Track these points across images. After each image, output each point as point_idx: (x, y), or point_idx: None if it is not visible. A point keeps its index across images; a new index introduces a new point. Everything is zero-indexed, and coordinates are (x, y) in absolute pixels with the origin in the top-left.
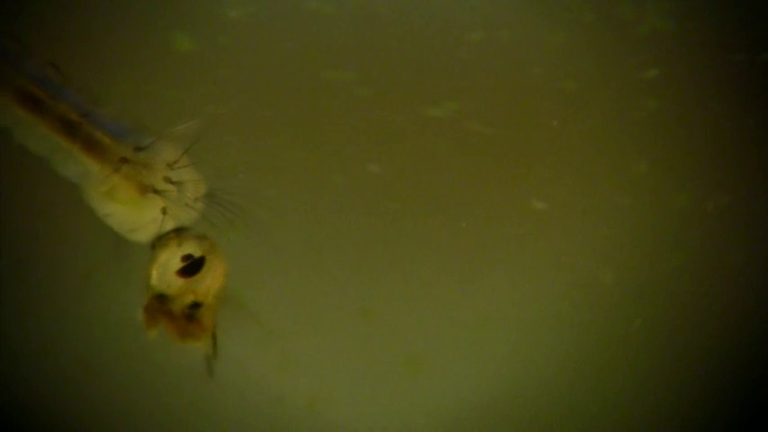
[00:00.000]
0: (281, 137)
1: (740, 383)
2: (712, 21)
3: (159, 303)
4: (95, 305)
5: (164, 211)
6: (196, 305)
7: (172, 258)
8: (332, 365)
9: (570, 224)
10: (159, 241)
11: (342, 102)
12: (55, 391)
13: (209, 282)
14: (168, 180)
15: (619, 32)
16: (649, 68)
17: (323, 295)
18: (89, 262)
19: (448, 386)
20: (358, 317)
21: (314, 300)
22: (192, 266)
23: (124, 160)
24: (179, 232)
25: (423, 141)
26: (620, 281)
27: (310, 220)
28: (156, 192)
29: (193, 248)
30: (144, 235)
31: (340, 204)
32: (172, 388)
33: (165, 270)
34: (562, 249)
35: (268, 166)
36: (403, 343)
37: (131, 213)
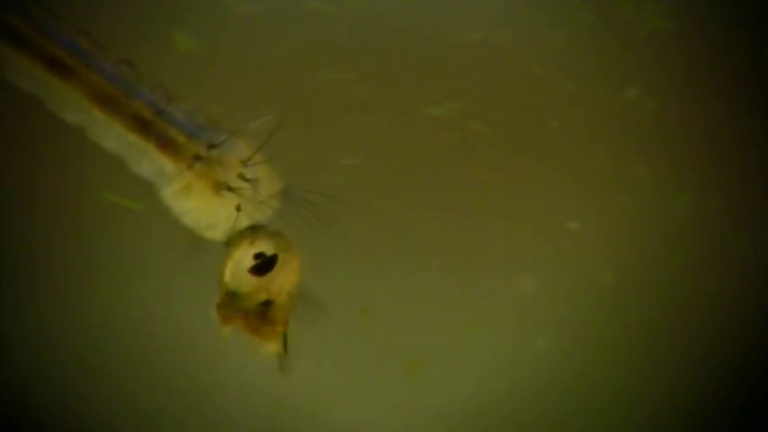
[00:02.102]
0: (280, 136)
1: (740, 383)
2: (712, 21)
3: (232, 301)
4: (96, 306)
5: (238, 209)
6: (268, 303)
7: (245, 256)
8: (332, 366)
9: (570, 224)
10: (233, 239)
11: (342, 101)
12: (54, 391)
13: (282, 280)
14: (242, 177)
15: (619, 32)
16: (648, 69)
17: (323, 295)
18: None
19: (448, 386)
20: (358, 317)
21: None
22: (264, 264)
23: (198, 158)
24: (253, 230)
25: (423, 141)
26: (620, 281)
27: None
28: (229, 189)
29: (266, 246)
30: (219, 232)
31: (340, 204)
32: (171, 389)
33: (238, 268)
34: (562, 249)
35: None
36: (403, 343)
37: (206, 211)
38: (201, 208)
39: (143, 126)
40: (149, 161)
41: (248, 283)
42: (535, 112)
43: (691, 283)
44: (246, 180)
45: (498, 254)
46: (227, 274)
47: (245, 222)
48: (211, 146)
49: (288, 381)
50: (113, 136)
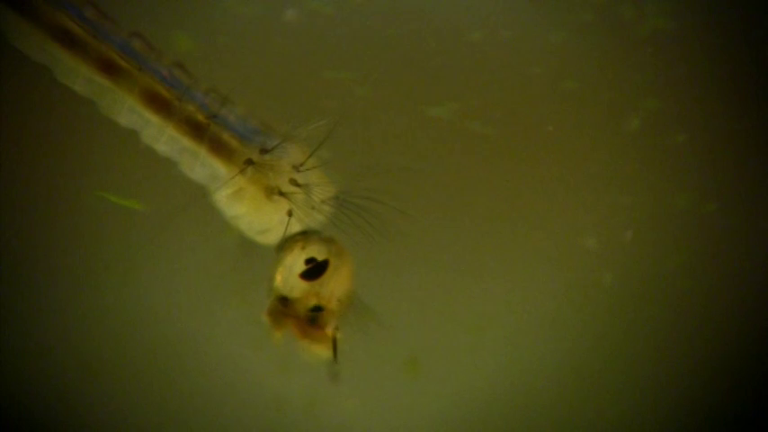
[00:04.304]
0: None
1: (740, 383)
2: (712, 21)
3: (283, 306)
4: (96, 306)
5: (289, 214)
6: (319, 308)
7: (296, 261)
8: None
9: (570, 224)
10: (284, 244)
11: (342, 102)
12: (55, 392)
13: (333, 285)
14: (294, 182)
15: (619, 32)
16: (649, 69)
17: None
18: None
19: (448, 386)
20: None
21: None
22: (315, 270)
23: (250, 162)
24: (305, 235)
25: (423, 141)
26: (619, 281)
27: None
28: (281, 194)
29: (317, 251)
30: (271, 237)
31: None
32: (172, 389)
33: (289, 273)
34: (562, 249)
35: None
36: (403, 343)
37: (258, 216)
38: (253, 212)
39: (196, 130)
40: (202, 165)
41: (299, 287)
42: (535, 112)
43: (690, 283)
44: (298, 185)
45: (497, 254)
46: (278, 279)
47: (296, 227)
48: (264, 150)
49: (288, 381)
50: (166, 139)
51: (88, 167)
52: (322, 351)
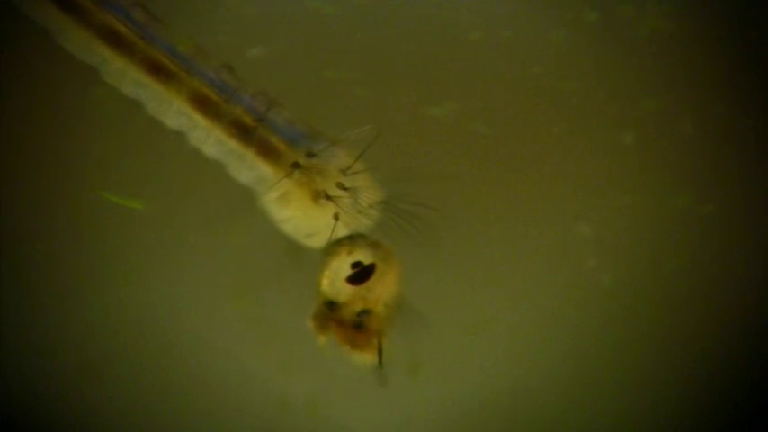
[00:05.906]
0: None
1: (739, 384)
2: (712, 21)
3: (329, 310)
4: (96, 307)
5: (336, 218)
6: (365, 312)
7: (342, 265)
8: (332, 365)
9: (569, 225)
10: (331, 248)
11: (342, 101)
12: (55, 393)
13: (380, 289)
14: (341, 186)
15: (619, 32)
16: (649, 69)
17: None
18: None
19: (448, 387)
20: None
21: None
22: (361, 274)
23: (297, 165)
24: (351, 239)
25: (423, 141)
26: (618, 282)
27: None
28: (328, 198)
29: (364, 255)
30: (318, 241)
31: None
32: (172, 389)
33: (335, 277)
34: (561, 250)
35: None
36: (403, 345)
37: (304, 219)
38: (300, 216)
39: (244, 132)
40: (249, 168)
41: (346, 291)
42: (535, 112)
43: (690, 283)
44: (345, 189)
45: (496, 255)
46: (325, 283)
47: (343, 231)
48: (311, 154)
49: (291, 381)
50: (214, 141)
51: (89, 167)
52: (367, 355)
